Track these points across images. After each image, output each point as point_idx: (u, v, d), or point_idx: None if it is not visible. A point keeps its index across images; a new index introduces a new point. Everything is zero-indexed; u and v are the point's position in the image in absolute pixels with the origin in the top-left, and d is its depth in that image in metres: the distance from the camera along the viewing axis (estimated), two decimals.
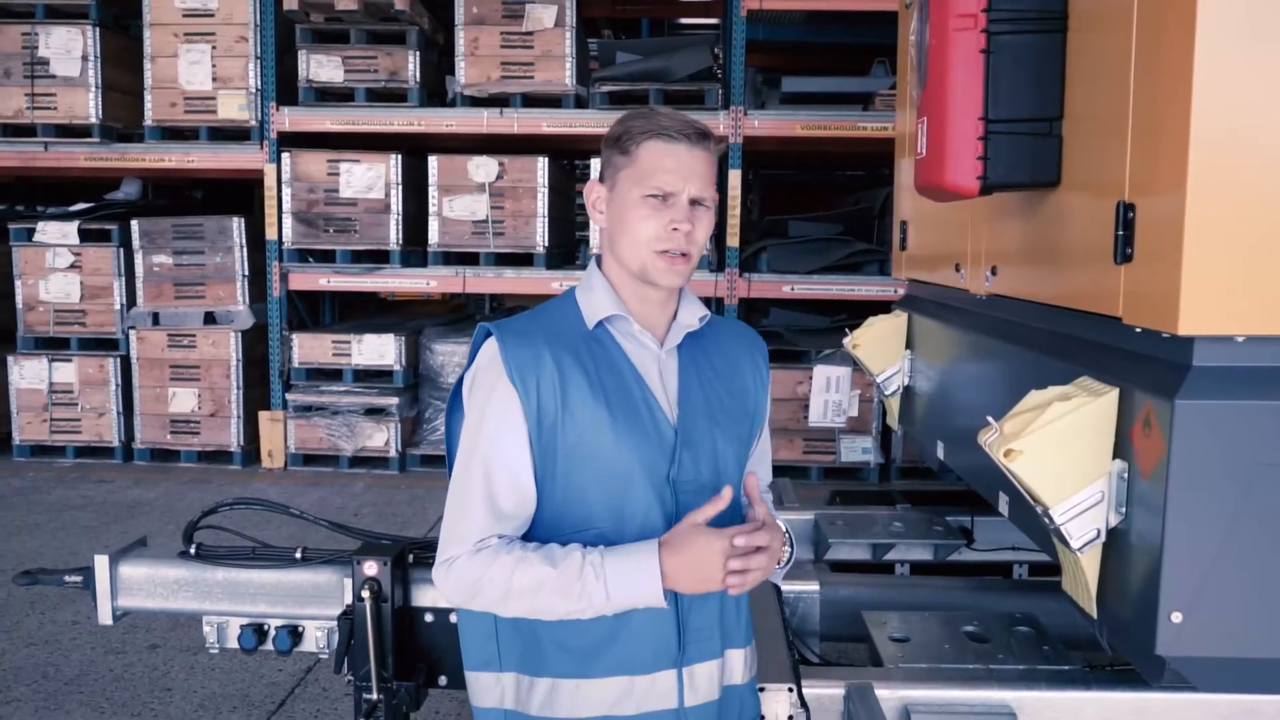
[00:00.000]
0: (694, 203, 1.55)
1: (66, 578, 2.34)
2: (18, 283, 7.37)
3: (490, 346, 1.56)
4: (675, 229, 1.53)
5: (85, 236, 7.33)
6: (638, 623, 1.55)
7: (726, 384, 1.67)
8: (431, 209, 7.01)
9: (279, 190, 7.09)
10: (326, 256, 7.21)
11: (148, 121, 7.14)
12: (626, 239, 1.56)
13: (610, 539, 1.53)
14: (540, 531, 1.58)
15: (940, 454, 3.03)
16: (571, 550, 1.49)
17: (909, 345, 3.47)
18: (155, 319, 7.28)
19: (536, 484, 1.55)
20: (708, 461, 1.60)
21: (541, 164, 6.95)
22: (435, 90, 7.38)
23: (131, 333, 7.25)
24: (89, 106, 7.11)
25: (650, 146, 1.54)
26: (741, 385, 1.70)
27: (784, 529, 1.65)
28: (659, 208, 1.53)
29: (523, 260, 7.13)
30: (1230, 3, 1.52)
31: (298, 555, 2.29)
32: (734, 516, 1.54)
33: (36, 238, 7.31)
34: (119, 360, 7.31)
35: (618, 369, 1.59)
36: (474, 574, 1.51)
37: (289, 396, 7.21)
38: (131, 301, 7.37)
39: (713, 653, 1.62)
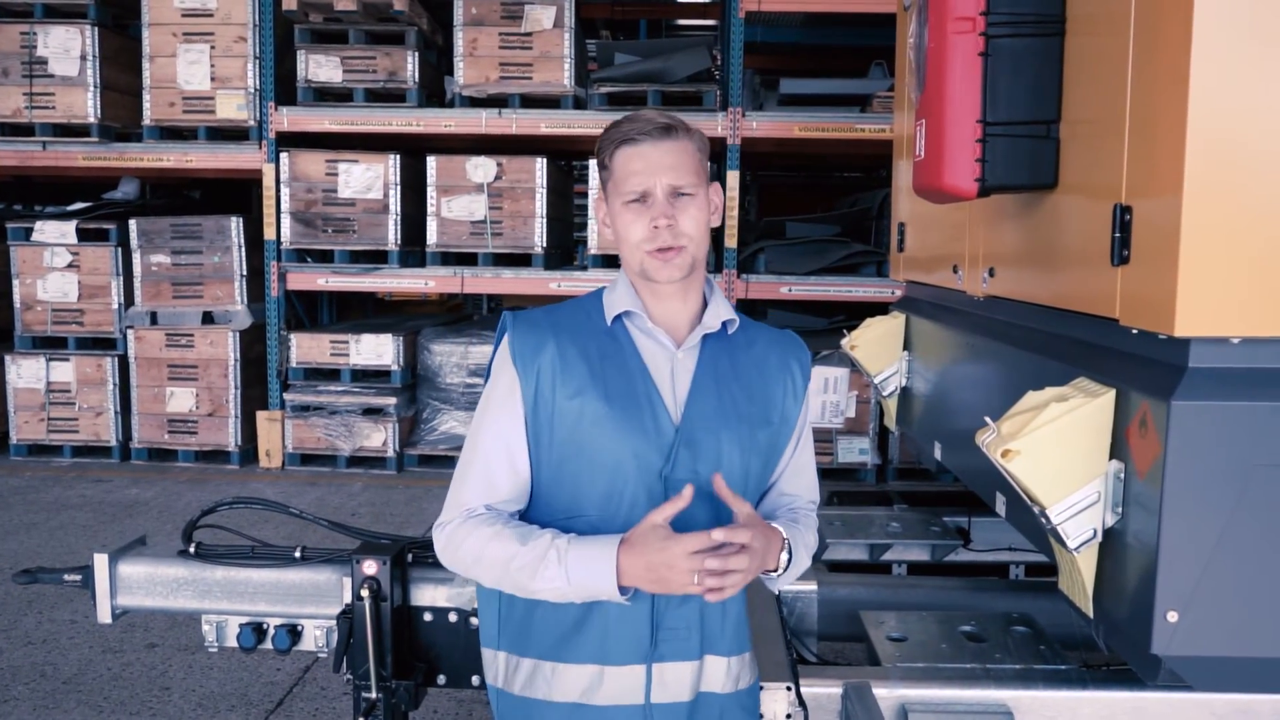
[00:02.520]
0: (675, 193, 1.57)
1: (66, 576, 2.35)
2: (15, 282, 7.36)
3: (505, 333, 1.65)
4: (656, 226, 1.56)
5: (83, 236, 7.32)
6: (613, 613, 1.57)
7: (748, 389, 1.66)
8: (430, 209, 7.01)
9: (277, 190, 7.09)
10: (325, 256, 7.21)
11: (146, 121, 7.14)
12: (623, 246, 1.62)
13: (599, 529, 1.56)
14: (535, 512, 1.64)
15: (937, 455, 3.04)
16: (544, 533, 1.54)
17: (906, 346, 3.48)
18: (153, 318, 7.28)
19: (531, 466, 1.62)
20: (709, 463, 1.59)
21: (540, 165, 6.96)
22: (434, 91, 7.39)
23: (129, 332, 7.24)
24: (87, 106, 7.11)
25: (620, 155, 1.59)
26: (766, 392, 1.68)
27: (783, 535, 1.61)
28: (641, 210, 1.58)
29: (521, 261, 7.13)
30: (1227, 6, 1.53)
31: (297, 554, 2.30)
32: (727, 518, 1.54)
33: (34, 237, 7.31)
34: (117, 360, 7.30)
35: (625, 363, 1.61)
36: (458, 539, 1.59)
37: (287, 396, 7.21)
38: (129, 301, 7.37)
39: (688, 654, 1.61)
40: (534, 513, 1.65)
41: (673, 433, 1.59)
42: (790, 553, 1.61)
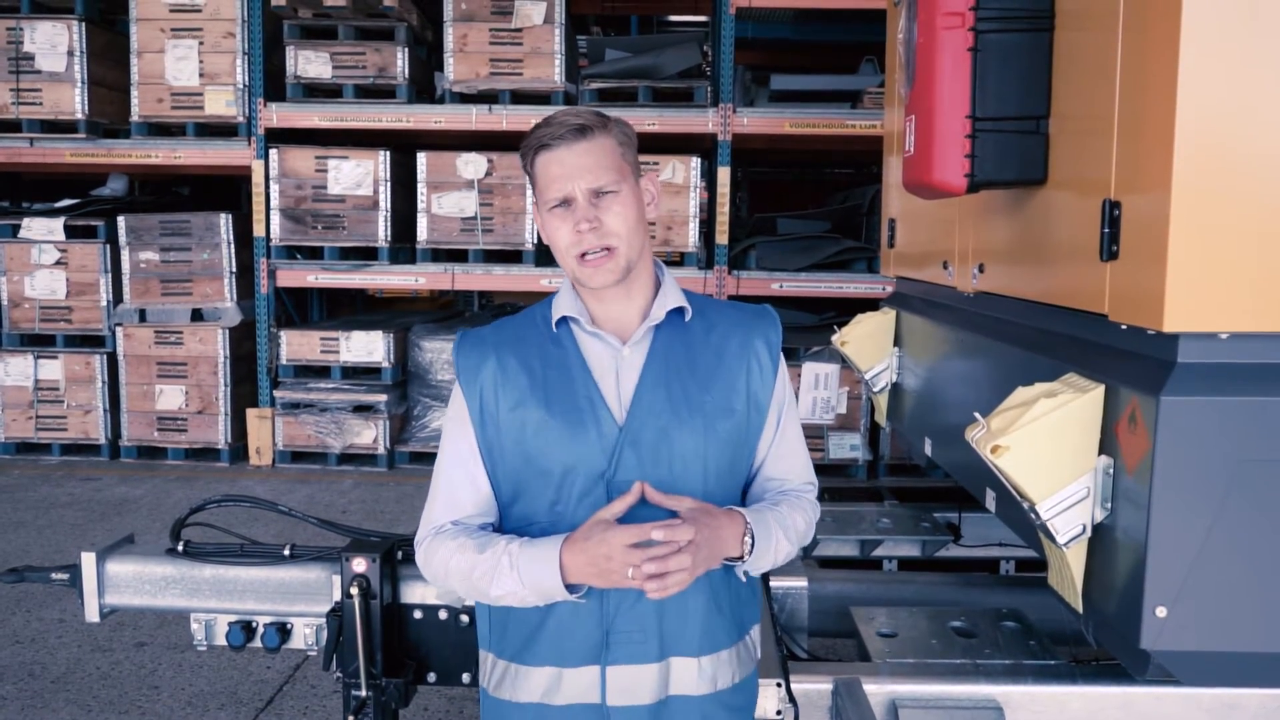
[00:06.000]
0: (597, 194, 1.54)
1: (53, 575, 2.34)
2: (3, 279, 7.32)
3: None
4: (579, 230, 1.54)
5: (71, 233, 7.29)
6: (565, 617, 1.57)
7: (704, 379, 1.60)
8: (420, 206, 6.99)
9: (267, 187, 7.07)
10: (314, 253, 7.19)
11: (134, 117, 7.10)
12: (555, 252, 1.60)
13: (550, 535, 1.55)
14: (505, 523, 1.65)
15: (928, 451, 3.04)
16: (499, 540, 1.55)
17: (897, 342, 3.48)
18: (142, 316, 7.25)
19: (491, 480, 1.63)
20: (660, 461, 1.56)
21: None
22: (424, 87, 7.37)
23: (118, 329, 7.21)
24: (75, 102, 7.07)
25: (539, 163, 1.57)
26: (726, 380, 1.62)
27: (745, 519, 1.55)
28: (564, 215, 1.55)
29: (511, 257, 7.12)
30: (1216, 2, 1.53)
31: (286, 552, 2.29)
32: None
33: (22, 234, 7.27)
34: (105, 357, 7.27)
35: (567, 367, 1.60)
36: (429, 555, 1.62)
37: (277, 394, 7.18)
38: (118, 298, 7.33)
39: (646, 657, 1.57)
40: (504, 523, 1.65)
41: (616, 433, 1.56)
42: (753, 538, 1.54)
